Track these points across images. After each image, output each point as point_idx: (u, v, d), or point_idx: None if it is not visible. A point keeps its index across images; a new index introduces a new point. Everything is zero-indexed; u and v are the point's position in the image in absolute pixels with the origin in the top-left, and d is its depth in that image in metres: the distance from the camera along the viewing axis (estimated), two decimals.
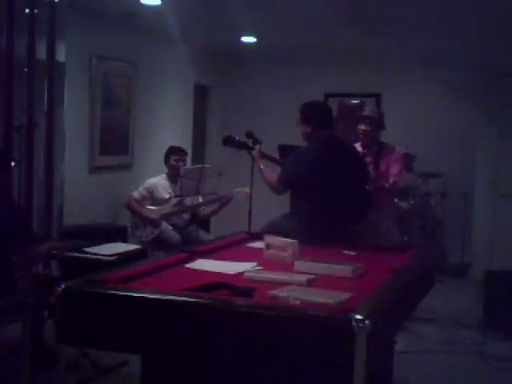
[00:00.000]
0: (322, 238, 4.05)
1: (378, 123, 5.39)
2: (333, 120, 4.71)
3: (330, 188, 4.46)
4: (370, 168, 5.22)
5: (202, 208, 6.54)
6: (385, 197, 5.32)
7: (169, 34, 6.91)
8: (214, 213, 6.67)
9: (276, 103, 8.53)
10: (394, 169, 5.30)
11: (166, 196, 6.25)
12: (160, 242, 6.01)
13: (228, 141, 5.08)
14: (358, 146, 5.39)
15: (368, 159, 5.25)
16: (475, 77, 7.81)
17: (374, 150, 5.31)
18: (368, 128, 5.35)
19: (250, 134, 5.47)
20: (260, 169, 4.72)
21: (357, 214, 4.59)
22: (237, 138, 5.03)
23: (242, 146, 4.97)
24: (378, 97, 8.40)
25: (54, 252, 4.20)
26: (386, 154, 5.32)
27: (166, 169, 6.41)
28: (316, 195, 4.46)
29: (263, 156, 4.82)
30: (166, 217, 6.16)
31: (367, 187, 4.84)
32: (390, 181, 5.20)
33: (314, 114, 4.61)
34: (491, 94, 7.72)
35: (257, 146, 4.83)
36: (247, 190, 5.79)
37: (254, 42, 7.50)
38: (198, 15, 6.23)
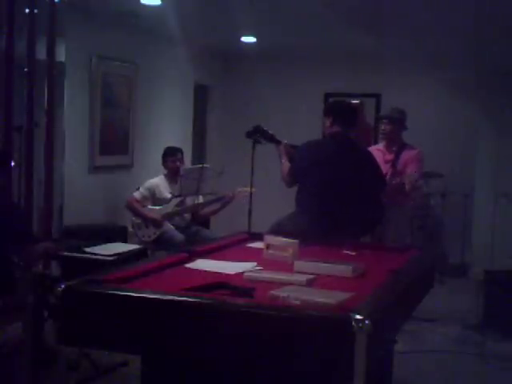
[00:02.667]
0: (322, 234, 4.07)
1: (398, 122, 5.39)
2: (351, 121, 4.67)
3: (330, 187, 4.44)
4: (388, 166, 5.20)
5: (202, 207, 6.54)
6: (399, 197, 5.28)
7: (169, 34, 6.91)
8: (214, 212, 6.67)
9: (276, 103, 8.53)
10: (411, 169, 5.29)
11: (168, 196, 6.25)
12: (163, 242, 6.01)
13: (258, 131, 5.04)
14: (381, 147, 5.38)
15: (388, 157, 5.25)
16: (475, 77, 7.81)
17: (394, 150, 5.31)
18: (387, 127, 5.36)
19: (249, 134, 5.46)
20: (282, 162, 4.79)
21: (363, 224, 4.51)
22: (266, 129, 5.01)
23: (270, 138, 4.96)
24: (378, 97, 8.40)
25: (50, 253, 4.20)
26: (405, 154, 5.33)
27: (164, 170, 6.40)
28: (315, 191, 4.48)
29: (288, 151, 4.83)
30: (167, 217, 6.16)
31: (380, 198, 4.73)
32: (417, 183, 5.20)
33: (333, 110, 4.68)
34: (491, 94, 7.72)
35: (284, 141, 4.87)
36: (249, 190, 5.78)
37: (254, 42, 7.50)
38: (198, 15, 6.23)
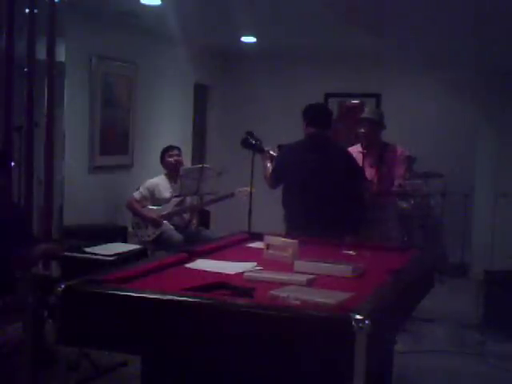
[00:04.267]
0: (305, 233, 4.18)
1: (377, 124, 5.40)
2: (325, 121, 4.84)
3: (306, 186, 4.60)
4: (373, 170, 5.21)
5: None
6: (387, 196, 5.32)
7: (169, 34, 6.91)
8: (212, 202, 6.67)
9: (276, 103, 8.53)
10: (399, 170, 5.32)
11: (167, 196, 6.25)
12: (162, 242, 6.01)
13: (246, 144, 5.25)
14: (360, 148, 5.40)
15: (371, 160, 5.26)
16: (475, 77, 7.81)
17: (376, 151, 5.31)
18: (367, 130, 5.38)
19: (250, 134, 5.52)
20: (265, 166, 5.02)
21: (344, 224, 4.59)
22: (253, 142, 5.21)
23: (257, 148, 5.19)
24: (378, 97, 8.40)
25: (49, 255, 4.20)
26: (389, 155, 5.33)
27: (164, 169, 6.41)
28: (292, 192, 4.68)
29: (271, 157, 5.07)
30: (167, 216, 6.17)
31: (360, 196, 4.87)
32: (396, 183, 5.23)
33: (307, 112, 4.86)
34: (491, 94, 7.72)
35: (267, 149, 5.10)
36: (249, 189, 5.79)
37: (254, 42, 7.50)
38: (198, 15, 6.23)
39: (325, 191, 4.59)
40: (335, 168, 4.69)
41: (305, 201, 4.59)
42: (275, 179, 4.86)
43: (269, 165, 4.98)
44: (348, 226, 4.63)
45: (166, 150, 6.43)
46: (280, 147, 5.45)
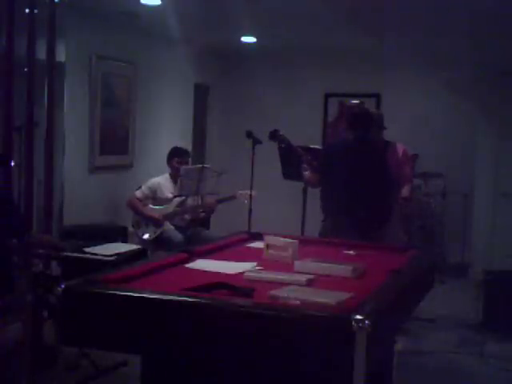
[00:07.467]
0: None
1: (377, 125, 5.41)
2: (367, 125, 5.05)
3: (350, 182, 4.78)
4: None
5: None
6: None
7: (169, 34, 6.91)
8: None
9: (276, 103, 8.53)
10: (405, 170, 5.31)
11: (169, 196, 6.24)
12: (162, 242, 6.01)
13: (275, 135, 5.30)
14: None
15: None
16: (475, 76, 7.81)
17: None
18: None
19: (249, 134, 5.54)
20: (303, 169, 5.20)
21: (373, 219, 4.82)
22: (281, 133, 5.30)
23: (287, 143, 5.28)
24: (377, 97, 8.40)
25: (49, 248, 4.20)
26: (391, 154, 5.34)
27: (169, 169, 6.39)
28: (336, 186, 4.85)
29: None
30: (168, 216, 6.16)
31: (389, 198, 5.04)
32: (404, 193, 5.24)
33: (350, 115, 5.14)
34: (491, 94, 7.72)
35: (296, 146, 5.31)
36: (252, 193, 5.78)
37: (254, 42, 7.50)
38: (198, 15, 6.23)
39: (366, 191, 4.79)
40: (376, 171, 4.92)
41: (347, 198, 4.78)
42: (320, 177, 5.03)
43: (305, 171, 5.14)
44: (376, 225, 4.84)
45: (176, 155, 6.35)
46: (280, 148, 5.46)
